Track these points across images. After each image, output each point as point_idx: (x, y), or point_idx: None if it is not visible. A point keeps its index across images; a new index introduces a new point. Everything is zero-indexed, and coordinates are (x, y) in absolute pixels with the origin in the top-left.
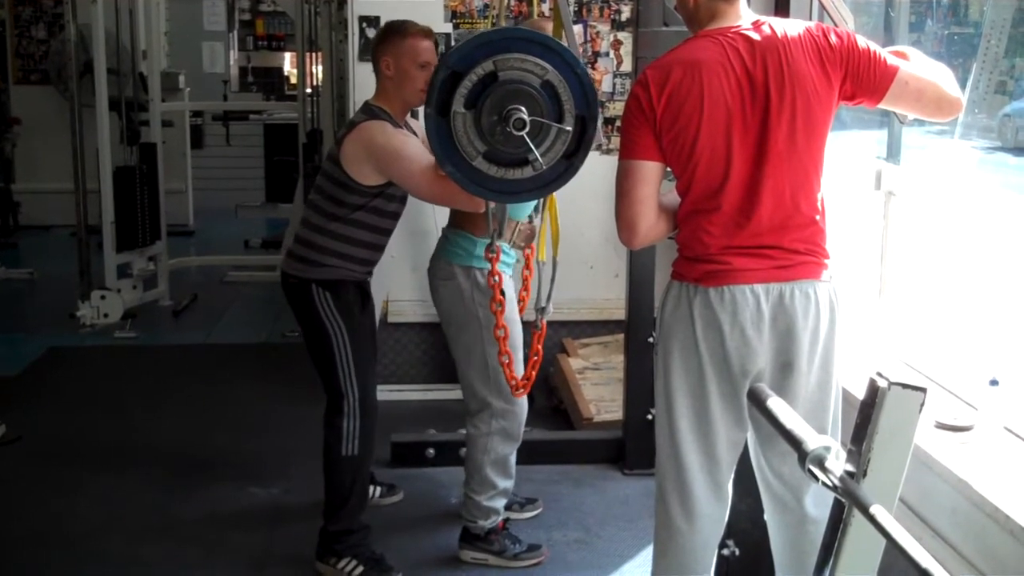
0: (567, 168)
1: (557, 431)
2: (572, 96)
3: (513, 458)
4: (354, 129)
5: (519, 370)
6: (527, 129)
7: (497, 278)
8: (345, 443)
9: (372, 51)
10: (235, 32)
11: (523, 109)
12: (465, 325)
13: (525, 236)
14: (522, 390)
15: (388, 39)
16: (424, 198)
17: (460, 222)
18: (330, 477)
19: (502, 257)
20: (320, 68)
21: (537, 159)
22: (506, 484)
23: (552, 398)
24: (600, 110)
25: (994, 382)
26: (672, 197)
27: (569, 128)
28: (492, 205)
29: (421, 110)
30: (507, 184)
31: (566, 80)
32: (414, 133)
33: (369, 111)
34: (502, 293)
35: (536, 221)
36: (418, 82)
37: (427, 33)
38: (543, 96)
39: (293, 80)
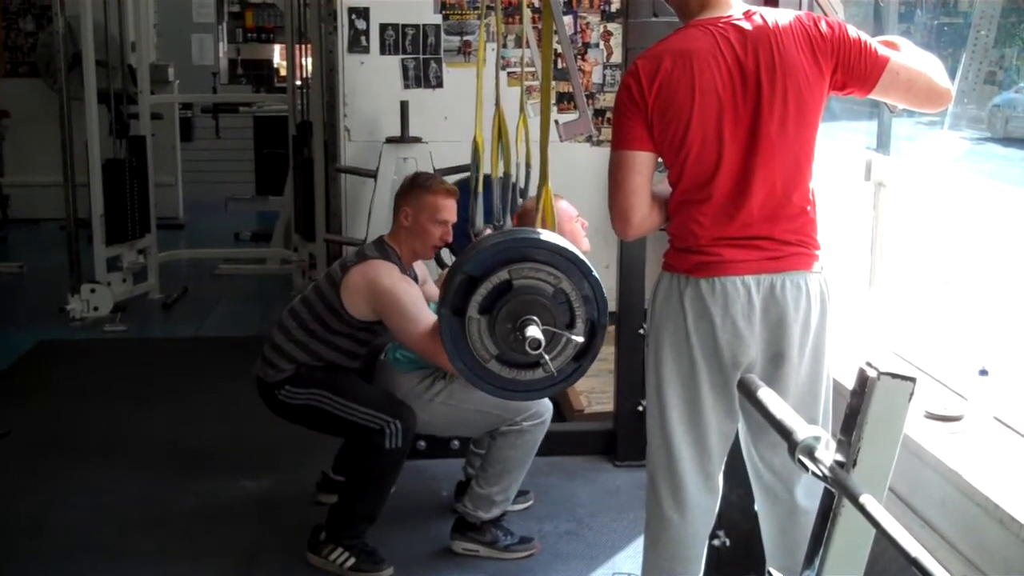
0: (576, 369)
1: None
2: (584, 303)
3: (535, 452)
4: (364, 263)
5: None
6: (542, 348)
7: None
8: (389, 440)
9: (396, 196)
10: (224, 24)
11: (537, 320)
12: (443, 414)
13: None
14: None
15: (412, 191)
16: (410, 349)
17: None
18: (368, 465)
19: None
20: (310, 60)
21: (547, 363)
22: (521, 477)
23: None
24: (589, 101)
25: (984, 372)
26: (665, 187)
27: (581, 339)
28: None
29: None
30: (517, 384)
31: (578, 287)
32: (415, 277)
33: (382, 249)
34: None
35: None
36: (433, 238)
37: (451, 192)
38: (555, 304)
39: (283, 72)
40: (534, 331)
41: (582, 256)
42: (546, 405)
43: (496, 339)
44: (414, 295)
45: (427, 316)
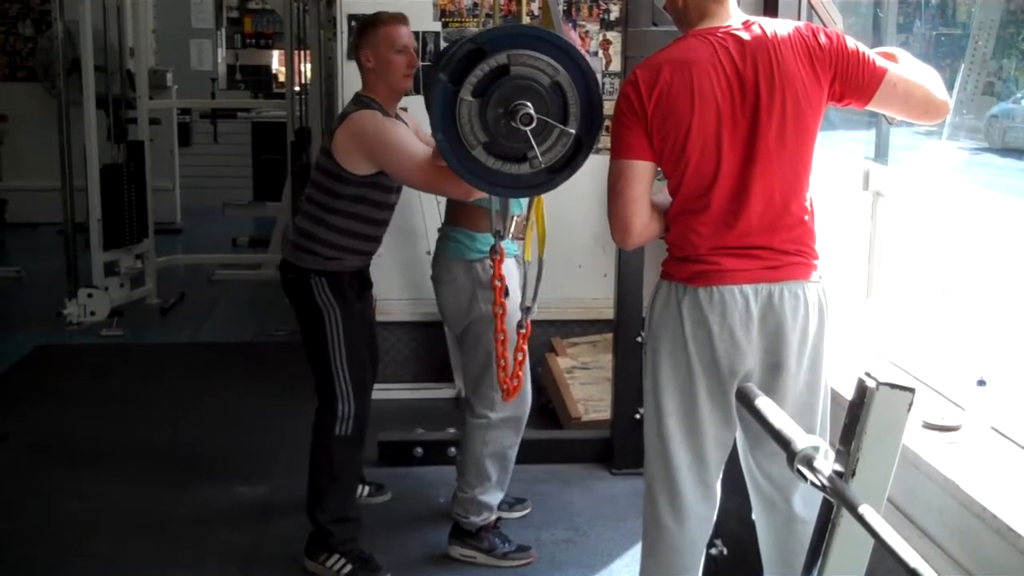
0: (548, 180)
1: (545, 430)
2: (579, 110)
3: (514, 453)
4: (345, 120)
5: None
6: (533, 125)
7: (500, 281)
8: (339, 424)
9: (352, 51)
10: (223, 30)
11: (529, 105)
12: (471, 322)
13: (520, 228)
14: (513, 393)
15: (362, 33)
16: (414, 186)
17: (457, 218)
18: (320, 458)
19: (506, 246)
20: (308, 66)
21: (537, 156)
22: (502, 478)
23: (540, 397)
24: None
25: (981, 382)
26: (664, 196)
27: (573, 131)
28: (497, 206)
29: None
30: (501, 177)
31: (577, 89)
32: (404, 123)
33: (359, 101)
34: (505, 296)
35: (524, 214)
36: (400, 67)
37: (400, 19)
38: (551, 96)
39: (281, 78)
40: (527, 108)
41: (592, 69)
42: (524, 407)
43: (486, 124)
44: (402, 132)
45: (421, 148)
